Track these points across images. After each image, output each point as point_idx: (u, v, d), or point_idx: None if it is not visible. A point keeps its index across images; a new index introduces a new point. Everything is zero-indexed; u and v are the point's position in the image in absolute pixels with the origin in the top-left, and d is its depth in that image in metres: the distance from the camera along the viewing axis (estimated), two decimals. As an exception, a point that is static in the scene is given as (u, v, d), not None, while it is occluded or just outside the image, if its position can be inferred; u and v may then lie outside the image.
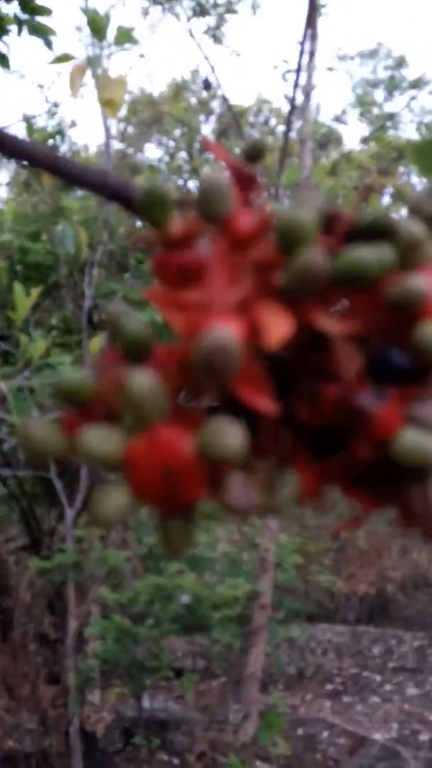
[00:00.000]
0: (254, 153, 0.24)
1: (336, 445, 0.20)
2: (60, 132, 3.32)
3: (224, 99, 2.47)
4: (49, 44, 1.57)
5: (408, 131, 8.11)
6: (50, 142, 3.00)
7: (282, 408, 0.19)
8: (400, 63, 7.81)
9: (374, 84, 8.33)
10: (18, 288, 1.77)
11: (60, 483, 2.58)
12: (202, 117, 5.31)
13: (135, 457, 0.18)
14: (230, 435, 0.17)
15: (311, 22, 2.36)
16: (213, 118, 6.49)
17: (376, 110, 4.44)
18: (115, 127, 4.93)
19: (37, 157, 0.26)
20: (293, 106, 2.33)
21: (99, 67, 1.51)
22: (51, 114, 3.62)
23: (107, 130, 3.32)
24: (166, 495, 0.18)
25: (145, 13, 3.31)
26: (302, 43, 2.33)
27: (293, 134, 2.69)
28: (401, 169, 7.57)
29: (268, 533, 2.35)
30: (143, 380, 0.18)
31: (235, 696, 2.81)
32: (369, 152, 7.23)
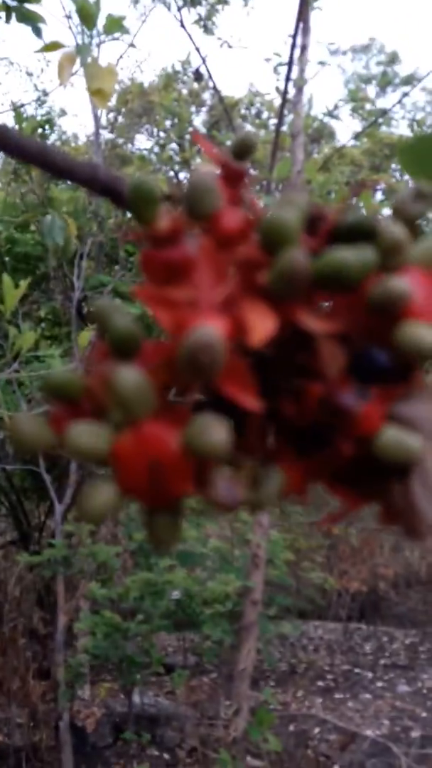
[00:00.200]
0: (244, 149, 0.24)
1: (320, 442, 0.20)
2: (49, 121, 3.28)
3: (215, 90, 2.44)
4: (38, 32, 1.54)
5: (401, 128, 8.11)
6: (39, 131, 2.96)
7: (267, 405, 0.19)
8: (393, 59, 7.80)
9: (367, 79, 8.31)
10: (6, 279, 1.74)
11: (49, 477, 2.56)
12: (192, 108, 5.28)
13: (122, 452, 0.18)
14: (216, 431, 0.17)
15: (303, 15, 2.34)
16: (204, 110, 6.46)
17: (368, 106, 4.42)
18: (104, 117, 4.89)
19: (26, 150, 0.25)
20: (285, 100, 2.30)
21: (88, 56, 1.48)
22: (40, 103, 3.58)
23: (97, 120, 3.28)
24: (153, 490, 0.18)
25: (135, 1, 3.27)
26: (294, 37, 2.31)
27: (285, 128, 2.67)
28: (393, 166, 7.57)
29: (259, 529, 2.34)
30: (130, 376, 0.18)
31: (225, 692, 2.80)
32: (361, 148, 7.22)
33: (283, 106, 2.29)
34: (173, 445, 0.18)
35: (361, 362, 0.20)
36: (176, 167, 5.26)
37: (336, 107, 2.96)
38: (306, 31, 2.59)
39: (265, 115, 6.81)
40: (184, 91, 5.21)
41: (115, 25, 1.59)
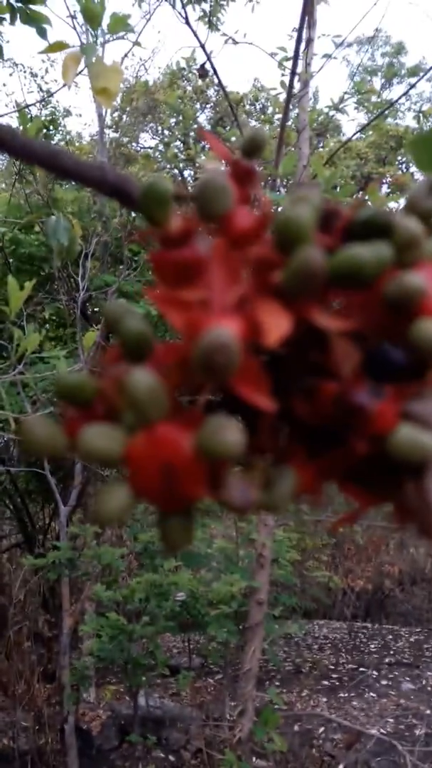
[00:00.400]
0: (254, 146, 0.24)
1: (333, 441, 0.20)
2: (53, 121, 3.27)
3: (220, 86, 2.41)
4: (42, 33, 1.53)
5: (406, 119, 8.06)
6: (43, 131, 2.95)
7: (279, 404, 0.19)
8: (399, 50, 7.75)
9: (372, 71, 8.26)
10: (12, 281, 1.72)
11: (54, 479, 2.55)
12: (197, 105, 5.25)
13: (135, 455, 0.18)
14: (230, 433, 0.17)
15: (308, 8, 2.31)
16: (208, 107, 6.43)
17: (374, 98, 4.39)
18: (109, 116, 4.87)
19: (36, 153, 0.25)
20: (290, 95, 2.27)
21: (93, 55, 1.46)
22: (45, 103, 3.56)
23: (101, 119, 3.26)
24: (167, 493, 0.18)
25: (140, 0, 3.23)
26: (299, 31, 2.28)
27: (290, 123, 2.64)
28: (400, 158, 7.52)
29: (264, 529, 2.32)
30: (144, 379, 0.18)
31: (231, 693, 2.79)
32: (367, 141, 7.18)
33: (288, 101, 2.26)
34: (186, 448, 0.18)
35: (376, 360, 0.19)
36: (181, 165, 5.24)
37: (342, 100, 2.92)
38: (311, 25, 2.56)
39: (270, 110, 6.77)
40: (189, 89, 5.18)
41: (120, 24, 1.58)
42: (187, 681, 2.56)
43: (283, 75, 2.76)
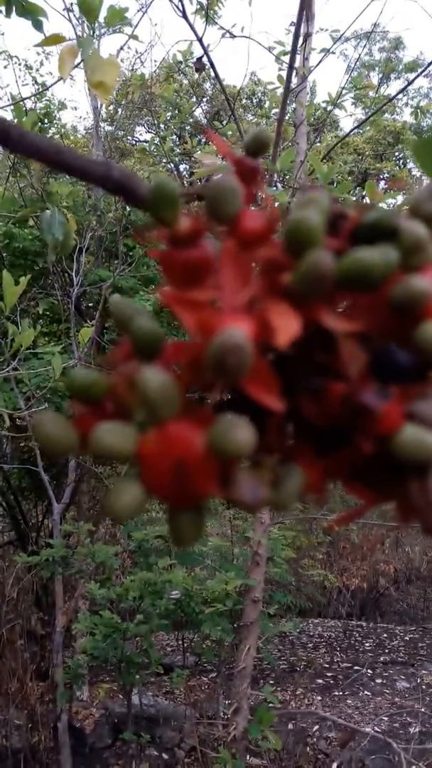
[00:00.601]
0: (258, 145, 0.24)
1: (339, 441, 0.20)
2: (48, 114, 3.23)
3: (217, 80, 2.38)
4: (38, 25, 1.50)
5: (404, 115, 8.04)
6: (38, 125, 2.91)
7: (288, 404, 0.19)
8: (397, 45, 7.72)
9: (370, 66, 8.22)
10: (6, 276, 1.70)
11: (47, 476, 2.52)
12: (194, 99, 5.21)
13: (148, 452, 0.18)
14: (241, 431, 0.17)
15: (306, 2, 2.28)
16: (205, 100, 6.38)
17: (371, 94, 4.36)
18: (104, 109, 4.82)
19: (42, 151, 0.25)
20: (288, 89, 2.25)
21: (90, 48, 1.43)
22: (39, 96, 3.52)
23: (96, 112, 3.23)
24: (178, 490, 0.18)
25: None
26: (297, 25, 2.25)
27: (287, 118, 2.62)
28: (397, 154, 7.50)
29: (259, 527, 2.31)
30: (156, 377, 0.18)
31: (225, 691, 2.78)
32: (364, 136, 7.15)
33: (286, 95, 2.23)
34: (198, 445, 0.18)
35: (382, 361, 0.20)
36: (177, 159, 5.20)
37: (339, 96, 2.90)
38: (309, 19, 2.53)
39: (266, 105, 6.73)
40: (185, 82, 5.14)
41: (117, 16, 1.55)
42: (181, 679, 2.55)
43: (280, 69, 2.73)
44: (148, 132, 6.47)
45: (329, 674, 3.66)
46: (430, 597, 4.64)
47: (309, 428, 0.20)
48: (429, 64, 2.39)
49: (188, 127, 5.30)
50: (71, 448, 0.19)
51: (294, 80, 2.42)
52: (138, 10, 3.31)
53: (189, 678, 3.05)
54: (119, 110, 5.14)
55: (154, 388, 0.18)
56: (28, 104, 3.46)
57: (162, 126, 4.86)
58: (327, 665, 3.77)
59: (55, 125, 3.94)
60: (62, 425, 0.19)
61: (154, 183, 0.21)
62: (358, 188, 5.94)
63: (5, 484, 3.01)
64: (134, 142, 6.09)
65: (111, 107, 5.14)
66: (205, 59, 2.53)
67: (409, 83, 2.79)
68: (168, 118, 4.87)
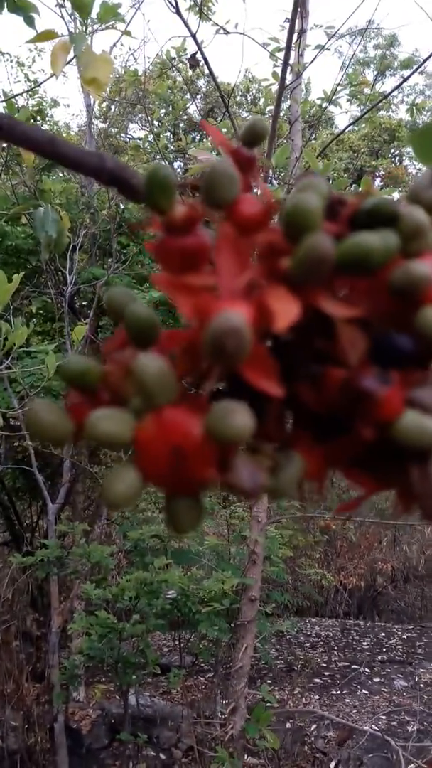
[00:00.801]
0: (254, 136, 0.24)
1: (339, 427, 0.20)
2: (40, 111, 3.21)
3: (211, 77, 2.37)
4: (30, 21, 1.48)
5: (399, 112, 8.03)
6: (30, 122, 2.89)
7: (286, 391, 0.19)
8: (392, 42, 7.71)
9: (365, 63, 8.21)
10: (0, 274, 1.68)
11: (42, 476, 2.51)
12: (187, 96, 5.20)
13: (145, 438, 0.18)
14: (239, 416, 0.17)
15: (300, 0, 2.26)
16: (199, 97, 6.36)
17: (367, 90, 4.35)
18: (97, 106, 4.80)
19: (34, 140, 0.25)
20: (283, 86, 2.23)
21: (83, 44, 1.42)
22: (32, 93, 3.50)
23: (89, 109, 3.21)
24: (175, 476, 0.18)
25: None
26: (292, 21, 2.23)
27: (282, 114, 2.60)
28: (393, 151, 7.49)
29: (256, 526, 2.29)
30: (153, 364, 0.18)
31: (222, 691, 2.77)
32: (359, 133, 7.14)
33: (281, 92, 2.22)
34: (196, 431, 0.18)
35: (382, 347, 0.19)
36: (171, 156, 5.18)
37: (334, 92, 2.88)
38: (304, 15, 2.52)
39: (261, 101, 6.71)
40: (179, 79, 5.12)
41: (110, 12, 1.54)
42: (178, 679, 2.54)
43: (275, 66, 2.72)
44: (142, 129, 6.45)
45: (327, 673, 3.65)
46: (428, 595, 4.64)
47: (308, 415, 0.20)
48: (424, 61, 2.38)
49: (182, 124, 5.28)
50: (66, 436, 0.19)
51: (289, 77, 2.41)
52: (131, 6, 3.29)
53: (186, 678, 3.04)
54: (112, 107, 5.11)
55: (151, 374, 0.18)
56: (20, 101, 3.43)
57: (156, 123, 4.84)
58: (325, 664, 3.76)
59: (48, 122, 3.91)
60: (57, 413, 0.18)
61: (148, 170, 0.21)
62: (353, 185, 5.93)
63: (-1, 485, 2.99)
64: (128, 140, 6.06)
65: (104, 104, 5.12)
66: (199, 56, 2.52)
67: (405, 80, 2.78)
68: (162, 114, 4.85)
